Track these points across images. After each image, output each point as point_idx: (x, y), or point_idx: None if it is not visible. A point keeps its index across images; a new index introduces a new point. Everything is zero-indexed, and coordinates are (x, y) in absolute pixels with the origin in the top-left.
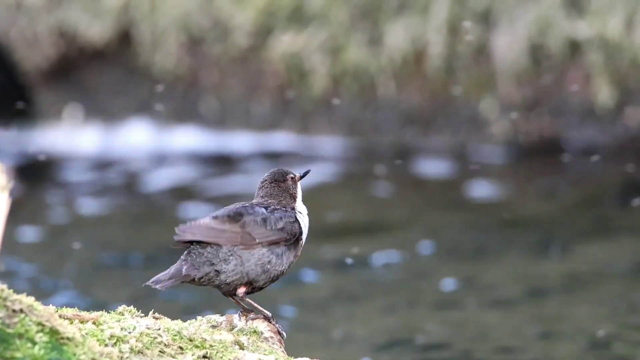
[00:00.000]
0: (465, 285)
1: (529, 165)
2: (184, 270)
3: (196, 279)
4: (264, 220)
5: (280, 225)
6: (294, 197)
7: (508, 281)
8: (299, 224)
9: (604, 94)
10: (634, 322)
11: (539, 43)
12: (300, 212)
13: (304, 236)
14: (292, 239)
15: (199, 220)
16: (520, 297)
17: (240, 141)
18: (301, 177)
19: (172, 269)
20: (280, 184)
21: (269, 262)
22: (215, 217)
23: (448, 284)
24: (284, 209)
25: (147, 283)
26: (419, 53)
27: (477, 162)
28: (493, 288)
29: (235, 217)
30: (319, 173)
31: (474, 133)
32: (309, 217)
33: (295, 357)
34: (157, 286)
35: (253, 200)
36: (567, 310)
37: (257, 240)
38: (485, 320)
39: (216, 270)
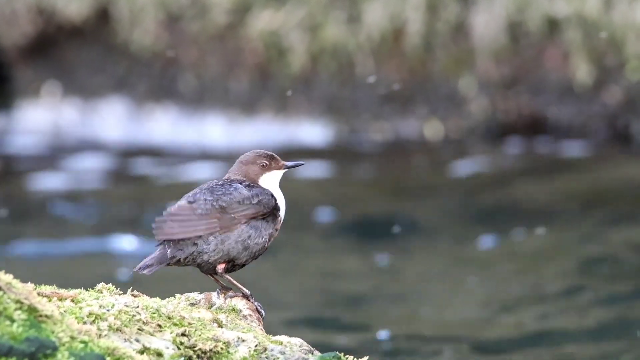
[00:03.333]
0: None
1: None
2: (169, 252)
3: (181, 260)
4: (243, 199)
5: (255, 200)
6: (253, 182)
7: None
8: (275, 199)
9: (582, 71)
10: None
11: (517, 21)
12: (273, 191)
13: (282, 212)
14: (269, 212)
15: (175, 206)
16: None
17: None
18: (287, 168)
19: (157, 252)
20: (242, 165)
21: (249, 237)
22: (191, 202)
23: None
24: (259, 186)
25: (134, 270)
26: (398, 31)
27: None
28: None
29: (214, 208)
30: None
31: (452, 111)
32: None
33: (274, 335)
34: (145, 271)
35: (225, 176)
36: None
37: (235, 217)
38: None
39: (199, 251)
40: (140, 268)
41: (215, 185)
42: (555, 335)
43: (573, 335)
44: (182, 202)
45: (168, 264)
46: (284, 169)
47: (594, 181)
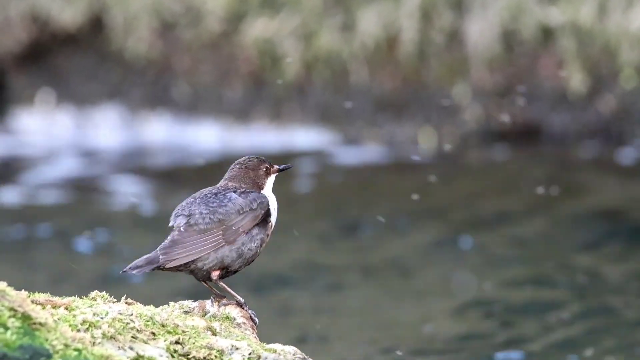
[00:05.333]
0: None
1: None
2: (160, 256)
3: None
4: (240, 208)
5: (254, 205)
6: (259, 188)
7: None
8: (268, 200)
9: (576, 80)
10: None
11: (511, 29)
12: (268, 196)
13: (273, 218)
14: (264, 214)
15: (175, 233)
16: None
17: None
18: (279, 170)
19: (149, 254)
20: (249, 170)
21: (243, 243)
22: (189, 220)
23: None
24: (253, 192)
25: (124, 270)
26: (392, 39)
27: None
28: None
29: (214, 224)
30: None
31: (446, 119)
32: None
33: (268, 343)
34: (134, 272)
35: (220, 184)
36: None
37: (241, 230)
38: None
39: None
40: (129, 268)
41: (209, 194)
42: None
43: None
44: (180, 220)
45: (159, 268)
46: (277, 172)
47: None
